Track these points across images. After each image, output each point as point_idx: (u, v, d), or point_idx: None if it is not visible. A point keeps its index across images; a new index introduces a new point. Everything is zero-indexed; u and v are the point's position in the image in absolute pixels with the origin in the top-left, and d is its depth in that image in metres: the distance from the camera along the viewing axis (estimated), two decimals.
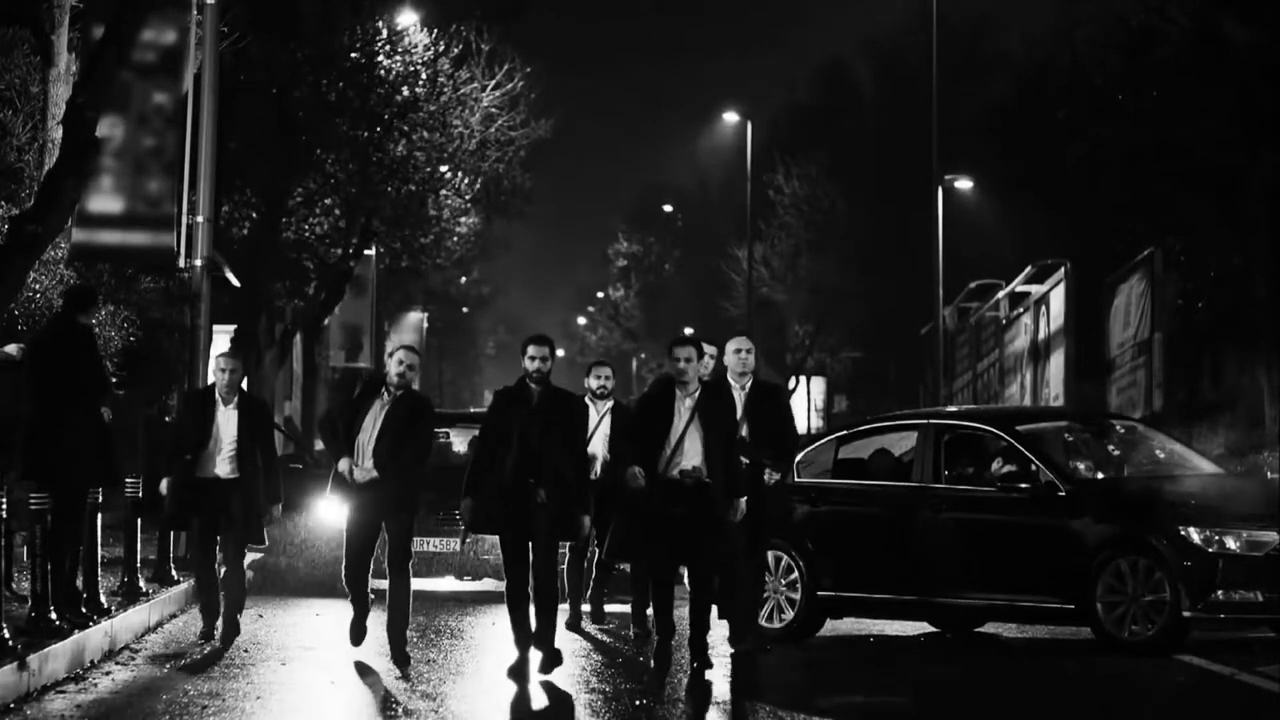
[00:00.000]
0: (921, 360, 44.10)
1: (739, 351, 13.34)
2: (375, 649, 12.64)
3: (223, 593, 13.60)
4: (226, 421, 13.46)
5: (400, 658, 12.46)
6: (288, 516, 18.02)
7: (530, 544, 11.76)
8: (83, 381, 13.15)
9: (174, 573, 16.30)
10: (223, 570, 13.79)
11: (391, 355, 12.78)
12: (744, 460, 12.69)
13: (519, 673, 11.68)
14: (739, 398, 13.10)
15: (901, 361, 49.06)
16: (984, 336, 39.40)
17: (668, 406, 12.16)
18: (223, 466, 13.43)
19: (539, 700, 11.08)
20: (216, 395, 13.54)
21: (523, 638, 11.80)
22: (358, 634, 12.88)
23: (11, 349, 14.01)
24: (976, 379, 39.61)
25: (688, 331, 49.72)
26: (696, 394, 12.17)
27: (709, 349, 13.22)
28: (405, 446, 12.42)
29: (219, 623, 13.56)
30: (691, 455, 12.04)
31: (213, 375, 14.03)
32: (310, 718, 10.71)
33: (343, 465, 12.46)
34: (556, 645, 11.88)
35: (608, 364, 15.35)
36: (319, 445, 24.73)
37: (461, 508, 11.87)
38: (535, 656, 11.79)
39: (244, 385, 13.79)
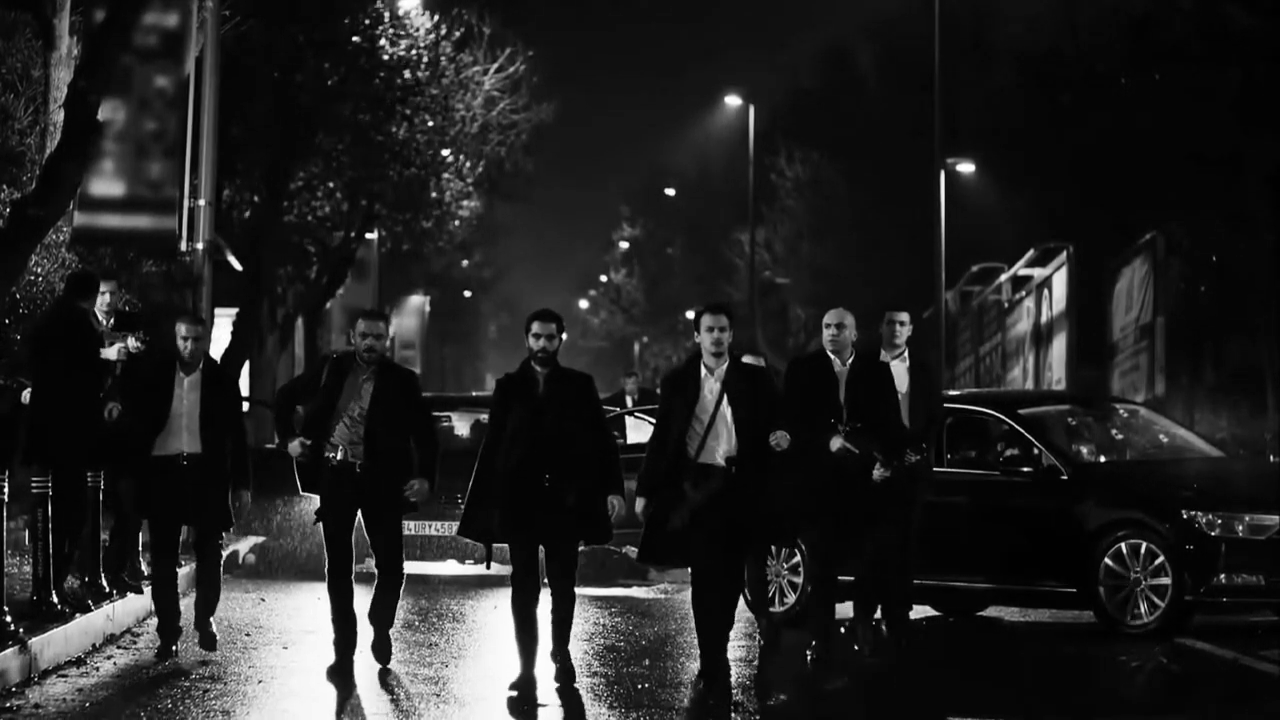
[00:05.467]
0: (923, 344, 44.04)
1: (828, 326, 12.14)
2: None
3: (194, 592, 12.53)
4: (189, 393, 11.99)
5: (382, 647, 11.47)
6: (289, 501, 18.01)
7: (544, 548, 10.84)
8: (83, 367, 13.11)
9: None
10: (195, 565, 12.74)
11: (354, 327, 11.34)
12: (851, 449, 11.73)
13: (525, 693, 10.66)
14: (840, 375, 12.04)
15: None
16: (986, 320, 39.36)
17: (694, 385, 10.90)
18: (185, 442, 11.94)
19: (541, 683, 11.03)
20: (177, 365, 12.06)
21: (530, 650, 10.80)
22: (339, 672, 11.25)
23: (131, 342, 13.15)
24: (979, 363, 39.58)
25: (689, 314, 49.60)
26: (724, 370, 10.90)
27: (899, 315, 12.47)
28: (406, 428, 11.20)
29: (181, 638, 12.21)
30: (725, 439, 10.83)
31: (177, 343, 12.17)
32: (312, 701, 10.70)
33: (294, 448, 11.14)
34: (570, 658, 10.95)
35: None
36: None
37: (463, 519, 10.82)
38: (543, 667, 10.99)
39: (243, 365, 13.05)
